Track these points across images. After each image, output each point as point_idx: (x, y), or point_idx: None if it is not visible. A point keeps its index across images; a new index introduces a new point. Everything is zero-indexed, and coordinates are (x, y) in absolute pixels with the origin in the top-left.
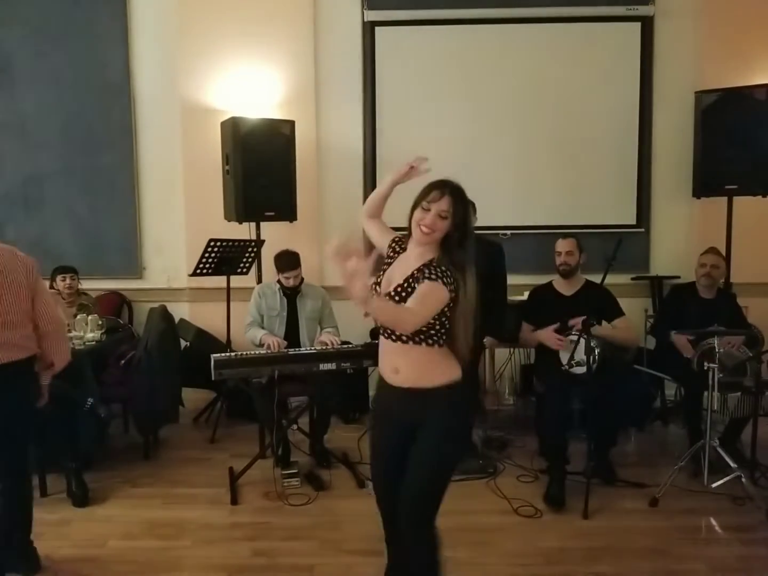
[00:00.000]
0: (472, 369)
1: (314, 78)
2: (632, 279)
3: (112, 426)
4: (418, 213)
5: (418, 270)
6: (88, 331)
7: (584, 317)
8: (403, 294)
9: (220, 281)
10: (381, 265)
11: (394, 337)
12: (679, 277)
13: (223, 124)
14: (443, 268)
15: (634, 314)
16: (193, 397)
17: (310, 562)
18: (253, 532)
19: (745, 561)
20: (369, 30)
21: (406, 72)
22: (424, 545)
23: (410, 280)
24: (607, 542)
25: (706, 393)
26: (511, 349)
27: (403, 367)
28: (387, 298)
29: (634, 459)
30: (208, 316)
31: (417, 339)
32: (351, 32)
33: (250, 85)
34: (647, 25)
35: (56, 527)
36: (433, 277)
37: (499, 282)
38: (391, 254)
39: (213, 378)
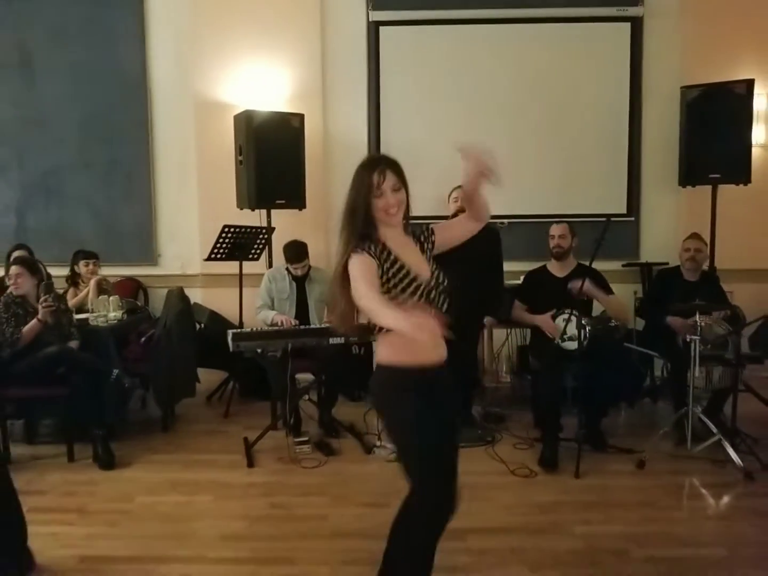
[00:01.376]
0: (471, 349)
1: (321, 74)
2: (623, 266)
3: (130, 403)
4: (377, 203)
5: (422, 247)
6: (110, 311)
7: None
8: (441, 274)
9: (231, 268)
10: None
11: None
12: (667, 264)
13: (236, 117)
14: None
15: (625, 299)
16: (207, 378)
17: (323, 513)
18: (269, 489)
19: (723, 510)
20: (374, 29)
21: (408, 69)
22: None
23: (431, 261)
24: (597, 497)
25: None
26: (509, 330)
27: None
28: (436, 284)
29: (624, 430)
30: (220, 301)
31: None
32: (356, 31)
33: (261, 80)
34: (637, 25)
35: (86, 486)
36: None
37: (497, 265)
38: (381, 257)
39: (231, 350)
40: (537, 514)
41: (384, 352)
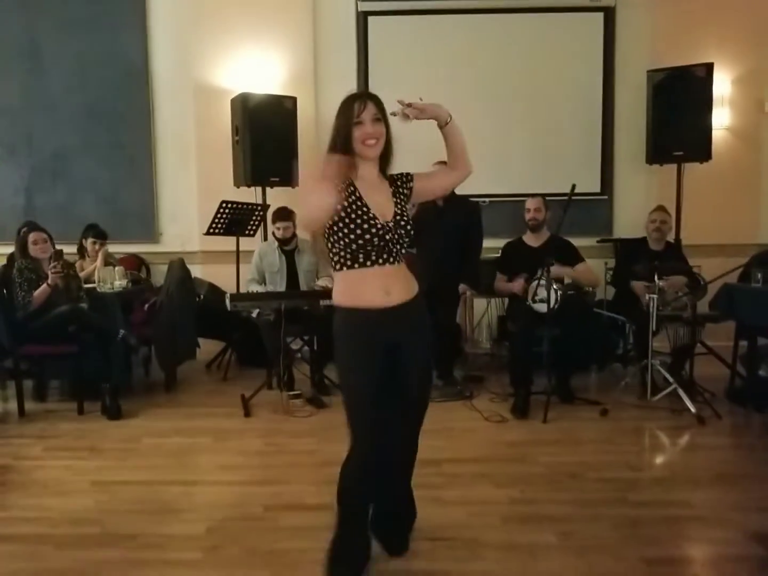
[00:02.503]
0: (450, 317)
1: (313, 60)
2: (597, 242)
3: (134, 368)
4: (355, 132)
5: (396, 192)
6: (116, 280)
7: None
8: (407, 218)
9: (228, 245)
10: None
11: (391, 259)
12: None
13: (233, 99)
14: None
15: (599, 271)
16: (205, 348)
17: (313, 449)
18: (264, 433)
19: (672, 445)
20: (362, 19)
21: (395, 56)
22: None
23: (401, 206)
24: (562, 436)
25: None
26: (489, 300)
27: (394, 285)
28: (395, 226)
29: (593, 389)
30: (218, 276)
31: (403, 254)
32: (346, 20)
33: (257, 66)
34: (609, 15)
35: (95, 432)
36: None
37: (476, 235)
38: (348, 195)
39: (228, 309)
40: (505, 448)
41: (334, 292)
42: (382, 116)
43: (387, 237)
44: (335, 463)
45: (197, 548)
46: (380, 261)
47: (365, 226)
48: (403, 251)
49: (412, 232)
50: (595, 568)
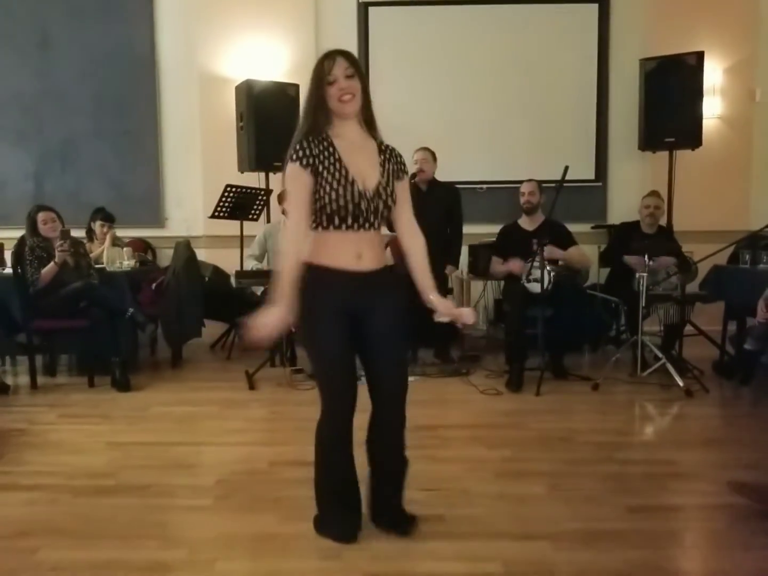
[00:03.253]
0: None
1: (315, 49)
2: (592, 228)
3: (141, 345)
4: (330, 90)
5: (386, 161)
6: (124, 260)
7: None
8: (391, 191)
9: (232, 230)
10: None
11: (367, 225)
12: None
13: (237, 86)
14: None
15: (592, 255)
16: (209, 330)
17: (314, 416)
18: (268, 403)
19: (659, 414)
20: (363, 10)
21: (395, 46)
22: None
23: (388, 177)
24: (554, 407)
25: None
26: (485, 283)
27: (367, 251)
28: (374, 196)
29: (585, 367)
30: (222, 260)
31: (380, 222)
32: (347, 11)
33: (261, 54)
34: (604, 5)
35: (107, 401)
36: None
37: (457, 218)
38: (323, 153)
39: (234, 285)
40: (499, 417)
41: (308, 251)
42: (355, 71)
43: (362, 206)
44: None
45: (207, 496)
46: (355, 226)
47: (340, 190)
48: (379, 221)
49: (392, 207)
50: (581, 513)
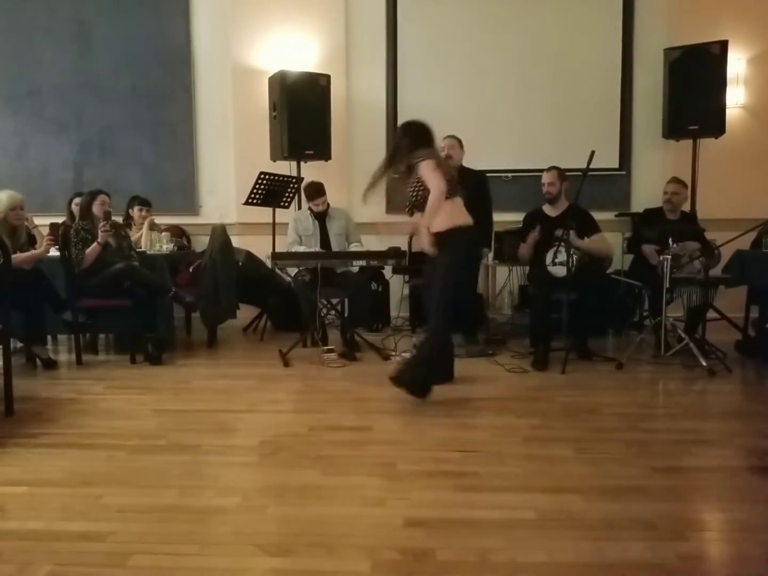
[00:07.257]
0: (472, 283)
1: (345, 41)
2: (615, 216)
3: (177, 327)
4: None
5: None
6: (163, 243)
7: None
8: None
9: (264, 217)
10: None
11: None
12: None
13: (271, 77)
14: None
15: (616, 243)
16: (241, 314)
17: (349, 388)
18: (303, 378)
19: (682, 390)
20: (392, 1)
21: (423, 35)
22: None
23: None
24: (579, 383)
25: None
26: (510, 269)
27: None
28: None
29: (609, 349)
30: (254, 246)
31: None
32: (377, 2)
33: (293, 45)
34: None
35: (150, 376)
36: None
37: (487, 202)
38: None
39: (271, 267)
40: (526, 391)
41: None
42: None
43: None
44: (370, 399)
45: (254, 454)
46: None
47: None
48: None
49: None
50: (608, 472)
